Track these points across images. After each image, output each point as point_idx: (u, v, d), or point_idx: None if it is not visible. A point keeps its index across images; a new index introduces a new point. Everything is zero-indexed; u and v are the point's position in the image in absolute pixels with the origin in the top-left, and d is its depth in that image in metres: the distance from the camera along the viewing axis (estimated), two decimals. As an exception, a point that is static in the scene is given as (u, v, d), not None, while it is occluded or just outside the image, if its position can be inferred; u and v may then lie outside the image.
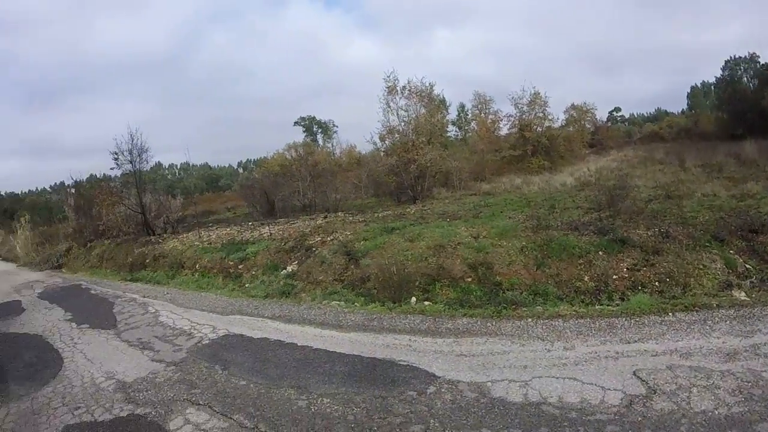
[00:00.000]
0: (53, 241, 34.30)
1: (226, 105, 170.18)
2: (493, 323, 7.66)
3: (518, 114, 33.88)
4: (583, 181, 19.59)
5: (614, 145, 43.37)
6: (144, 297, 13.65)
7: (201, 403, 6.28)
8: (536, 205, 13.57)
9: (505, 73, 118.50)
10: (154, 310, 11.73)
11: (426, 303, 9.07)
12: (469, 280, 9.34)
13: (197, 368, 7.52)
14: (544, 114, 33.29)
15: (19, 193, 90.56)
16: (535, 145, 31.71)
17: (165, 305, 12.13)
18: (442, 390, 5.69)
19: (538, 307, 8.05)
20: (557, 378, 5.59)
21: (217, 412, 5.93)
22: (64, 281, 20.47)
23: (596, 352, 6.16)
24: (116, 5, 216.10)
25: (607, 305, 7.89)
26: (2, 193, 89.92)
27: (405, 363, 6.59)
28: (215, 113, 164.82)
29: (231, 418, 5.73)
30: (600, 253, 9.06)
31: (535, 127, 32.82)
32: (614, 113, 74.81)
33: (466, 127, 52.73)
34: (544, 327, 7.25)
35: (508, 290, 8.78)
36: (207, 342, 8.75)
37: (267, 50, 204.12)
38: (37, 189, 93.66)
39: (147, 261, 18.49)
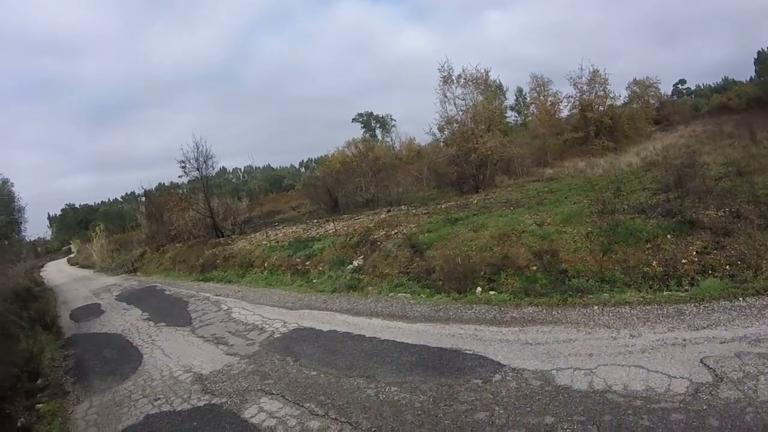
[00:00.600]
0: (127, 247, 36.21)
1: (283, 107, 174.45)
2: (559, 311, 7.58)
3: (578, 94, 32.53)
4: (650, 161, 18.76)
5: (681, 121, 40.49)
6: (216, 295, 14.28)
7: (274, 392, 6.58)
8: (601, 189, 13.19)
9: (561, 52, 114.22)
10: (226, 308, 12.27)
11: (491, 293, 9.05)
12: (534, 268, 9.26)
13: (270, 360, 7.85)
14: (605, 92, 31.73)
15: (93, 204, 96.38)
16: (598, 125, 30.32)
17: (237, 302, 12.66)
18: (507, 378, 5.72)
19: (604, 294, 7.87)
20: (623, 366, 5.50)
21: (290, 401, 6.19)
22: (140, 284, 21.62)
23: (663, 340, 6.02)
24: (172, 23, 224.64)
25: (676, 291, 7.62)
26: (77, 205, 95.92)
27: (471, 352, 6.65)
28: (274, 116, 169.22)
29: (303, 406, 5.98)
30: (668, 236, 8.75)
31: (596, 106, 31.40)
32: (679, 86, 71.13)
33: (525, 112, 51.17)
34: (610, 314, 7.12)
35: (573, 278, 8.64)
36: (278, 336, 9.09)
37: (319, 50, 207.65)
38: (109, 200, 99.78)
39: (217, 261, 19.28)
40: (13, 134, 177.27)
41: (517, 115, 52.79)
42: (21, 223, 19.44)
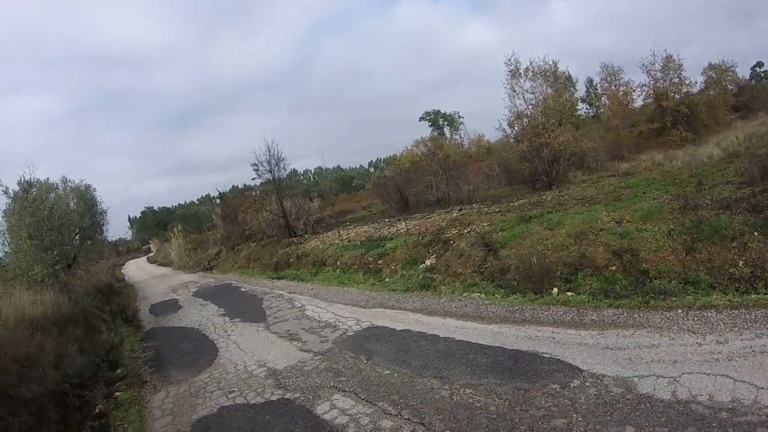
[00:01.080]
0: (203, 246, 37.50)
1: (350, 108, 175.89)
2: (640, 314, 7.16)
3: (652, 82, 30.63)
4: (732, 152, 17.58)
5: (762, 107, 37.22)
6: (290, 293, 14.48)
7: (347, 390, 6.53)
8: (681, 183, 12.46)
9: (630, 38, 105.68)
10: (300, 305, 12.40)
11: (569, 294, 8.67)
12: (614, 268, 8.81)
13: (343, 358, 7.81)
14: (680, 79, 29.62)
15: (170, 206, 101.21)
16: (674, 115, 28.38)
17: (310, 300, 12.78)
18: (587, 384, 5.42)
19: (688, 297, 7.37)
20: (708, 375, 5.10)
21: (362, 399, 6.12)
22: (216, 281, 22.31)
23: (751, 347, 5.54)
24: (238, 31, 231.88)
25: (764, 294, 7.04)
26: (155, 207, 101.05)
27: (548, 355, 6.37)
28: (341, 117, 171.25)
29: (375, 404, 5.89)
30: (755, 233, 8.10)
31: (671, 94, 29.53)
32: (757, 69, 65.73)
33: (596, 103, 48.52)
34: (695, 318, 6.64)
35: (655, 278, 8.14)
36: (351, 333, 9.06)
37: (382, 50, 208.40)
38: (185, 202, 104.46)
39: (291, 260, 19.59)
40: (95, 144, 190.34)
41: (588, 107, 50.15)
42: (103, 224, 20.51)
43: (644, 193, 12.40)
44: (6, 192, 15.23)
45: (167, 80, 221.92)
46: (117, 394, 8.44)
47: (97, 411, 7.64)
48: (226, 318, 12.90)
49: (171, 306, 17.33)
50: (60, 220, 15.82)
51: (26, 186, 15.56)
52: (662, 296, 7.51)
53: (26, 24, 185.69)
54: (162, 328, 13.84)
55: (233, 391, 7.40)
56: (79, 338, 10.68)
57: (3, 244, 15.90)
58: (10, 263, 15.66)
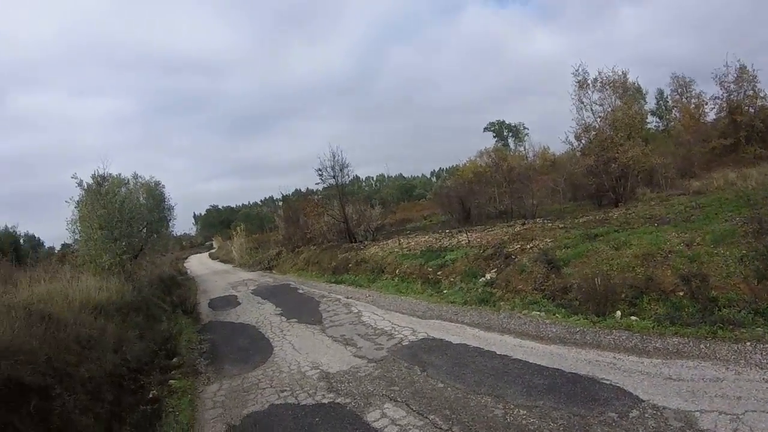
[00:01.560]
0: (264, 246, 38.36)
1: (414, 116, 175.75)
2: (707, 345, 6.76)
3: (725, 95, 29.08)
4: None
5: None
6: (347, 298, 14.52)
7: (399, 399, 6.43)
8: (756, 205, 11.74)
9: (703, 47, 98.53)
10: (356, 310, 12.41)
11: (632, 318, 8.30)
12: (681, 294, 8.36)
13: (397, 367, 7.72)
14: (755, 91, 27.99)
15: (234, 206, 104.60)
16: (749, 130, 26.91)
17: (367, 306, 12.77)
18: (646, 415, 5.14)
19: (758, 329, 6.89)
20: None
21: (414, 411, 6.01)
22: (275, 281, 22.71)
23: None
24: (306, 39, 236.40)
25: None
26: (220, 206, 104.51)
27: (608, 382, 6.09)
28: (405, 125, 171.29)
29: (427, 417, 5.77)
30: None
31: (746, 108, 27.93)
32: None
33: (667, 117, 46.35)
34: (763, 353, 6.20)
35: (724, 307, 7.66)
36: (407, 343, 8.96)
37: (447, 58, 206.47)
38: (249, 202, 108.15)
39: (349, 265, 19.70)
40: (166, 143, 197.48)
41: (658, 120, 48.03)
42: (170, 219, 21.39)
43: (716, 214, 11.74)
44: (80, 184, 15.91)
45: (236, 84, 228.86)
46: (171, 382, 8.65)
47: (150, 396, 7.86)
48: (283, 318, 13.05)
49: (230, 301, 17.73)
50: (130, 214, 16.43)
51: (99, 180, 16.22)
52: (730, 327, 7.09)
53: (103, 27, 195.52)
54: (220, 322, 14.14)
55: (285, 390, 7.45)
56: (140, 325, 11.03)
57: (74, 232, 16.62)
58: (79, 250, 16.32)
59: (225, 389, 8.06)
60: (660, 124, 45.99)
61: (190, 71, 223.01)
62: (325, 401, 6.76)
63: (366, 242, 24.03)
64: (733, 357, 6.25)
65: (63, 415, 5.36)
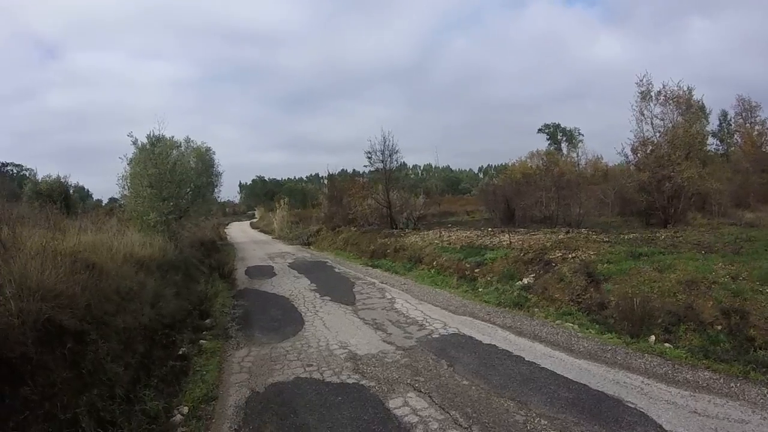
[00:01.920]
0: (305, 221, 38.90)
1: (467, 109, 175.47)
2: (737, 385, 6.47)
3: None
4: None
5: None
6: (382, 283, 14.55)
7: (422, 390, 6.42)
8: None
9: None
10: (390, 297, 12.43)
11: (666, 345, 8.04)
12: (719, 327, 8.04)
13: (424, 358, 7.70)
14: None
15: (279, 179, 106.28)
16: None
17: (401, 294, 12.75)
18: None
19: None
20: None
21: (436, 404, 5.99)
22: (312, 257, 22.99)
23: None
24: (365, 19, 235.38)
25: None
26: (266, 178, 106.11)
27: (633, 406, 5.91)
28: (458, 117, 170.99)
29: (448, 412, 5.74)
30: None
31: None
32: None
33: (728, 140, 44.98)
34: None
35: (760, 348, 7.33)
36: (437, 336, 8.92)
37: (508, 53, 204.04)
38: (294, 177, 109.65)
39: (387, 251, 19.78)
40: (218, 111, 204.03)
41: (719, 143, 46.28)
42: (216, 186, 21.78)
43: (766, 250, 11.34)
44: (135, 143, 16.32)
45: (293, 60, 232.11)
46: (202, 342, 8.87)
47: (180, 353, 8.07)
48: (317, 294, 13.18)
49: (266, 272, 18.02)
50: (180, 176, 16.81)
51: (154, 140, 16.58)
52: (764, 369, 6.81)
53: None
54: (255, 290, 14.38)
55: (311, 365, 7.53)
56: (177, 284, 11.31)
57: (124, 188, 17.09)
58: (127, 206, 16.77)
59: (253, 356, 8.20)
60: (720, 147, 44.35)
61: (249, 43, 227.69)
62: (350, 381, 6.80)
63: (407, 230, 24.06)
64: (761, 401, 6.01)
65: (95, 361, 5.51)
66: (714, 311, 8.30)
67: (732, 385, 6.47)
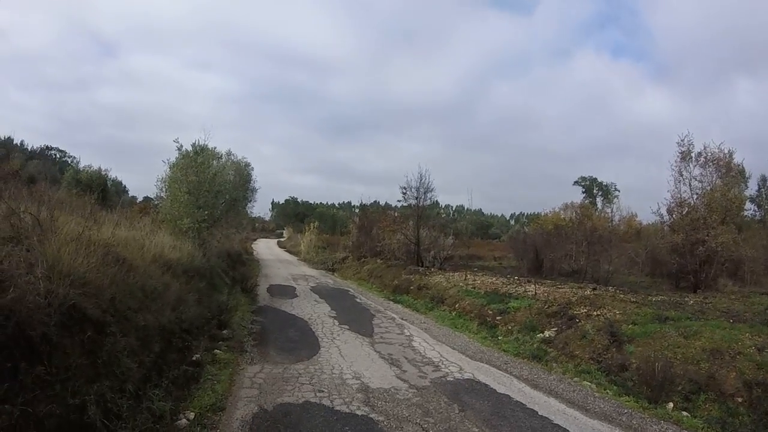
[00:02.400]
0: (332, 248, 39.20)
1: (504, 153, 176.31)
2: None
3: None
4: None
5: None
6: (402, 319, 14.41)
7: (431, 432, 6.28)
8: None
9: None
10: (408, 333, 12.30)
11: (684, 413, 7.78)
12: (740, 399, 7.77)
13: (436, 399, 7.56)
14: None
15: (312, 202, 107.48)
16: None
17: (420, 332, 12.59)
18: None
19: None
20: None
21: (444, 448, 5.84)
22: (335, 283, 23.00)
23: None
24: (411, 57, 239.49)
25: None
26: (299, 200, 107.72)
27: None
28: (495, 161, 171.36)
29: (454, 458, 5.60)
30: None
31: None
32: None
33: (766, 206, 44.21)
34: None
35: None
36: (451, 379, 8.77)
37: (551, 102, 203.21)
38: (326, 202, 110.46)
39: (411, 287, 19.63)
40: (259, 128, 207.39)
41: (756, 208, 45.04)
42: (250, 200, 22.15)
43: (798, 322, 10.93)
44: (180, 149, 16.72)
45: (338, 87, 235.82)
46: (217, 351, 8.90)
47: (194, 359, 8.08)
48: (336, 321, 13.14)
49: (288, 292, 18.11)
50: (218, 187, 17.18)
51: (198, 149, 16.93)
52: None
53: (227, 10, 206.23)
54: (274, 309, 14.44)
55: (322, 391, 7.46)
56: (200, 291, 11.40)
57: (162, 190, 17.47)
58: (162, 208, 17.08)
59: (266, 373, 8.19)
60: (757, 212, 43.29)
61: (298, 66, 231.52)
62: (359, 413, 6.70)
63: (432, 269, 23.88)
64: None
65: (111, 353, 5.54)
66: (736, 382, 8.05)
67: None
